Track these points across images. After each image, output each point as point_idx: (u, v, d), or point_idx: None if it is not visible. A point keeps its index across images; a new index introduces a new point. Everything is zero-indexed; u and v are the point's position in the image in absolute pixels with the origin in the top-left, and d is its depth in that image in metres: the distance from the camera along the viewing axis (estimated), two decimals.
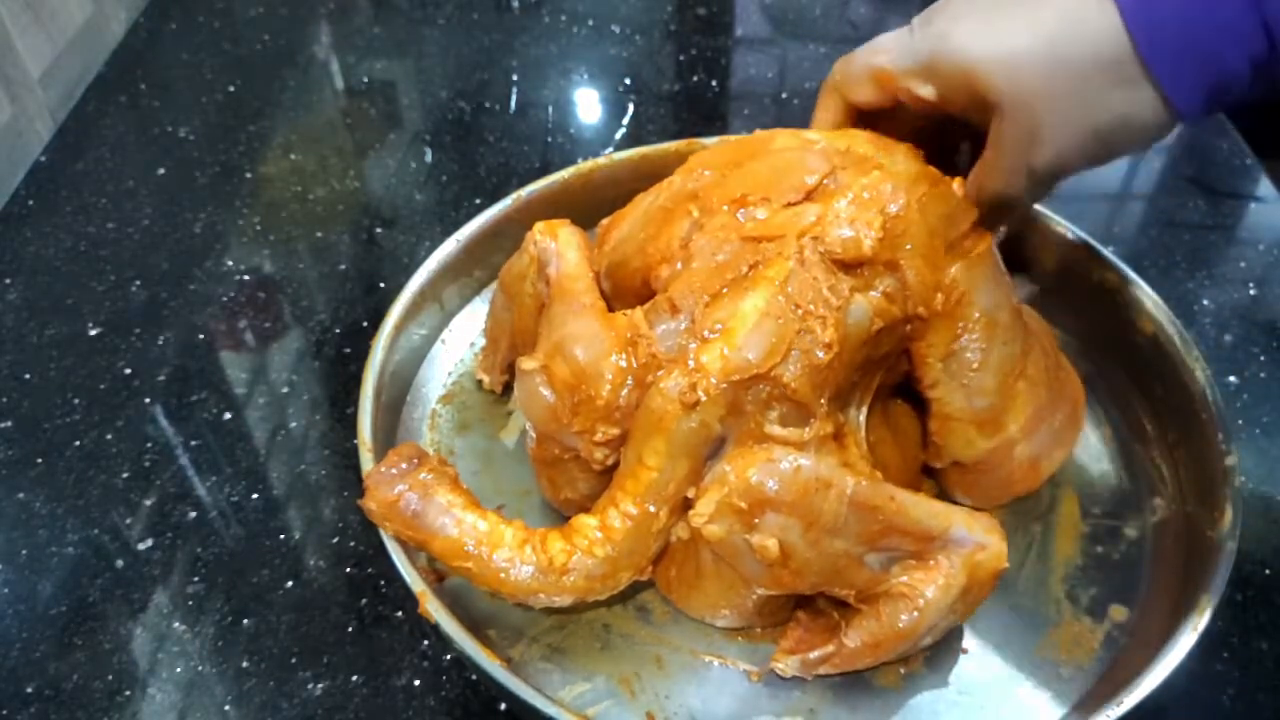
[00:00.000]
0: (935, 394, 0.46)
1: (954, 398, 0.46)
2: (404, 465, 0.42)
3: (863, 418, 0.45)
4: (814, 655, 0.43)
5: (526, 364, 0.44)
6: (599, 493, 0.45)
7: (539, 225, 0.48)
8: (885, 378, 0.46)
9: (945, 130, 0.47)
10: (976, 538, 0.41)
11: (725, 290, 0.42)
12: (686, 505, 0.42)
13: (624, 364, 0.42)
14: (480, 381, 0.55)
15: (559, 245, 0.47)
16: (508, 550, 0.41)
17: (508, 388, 0.54)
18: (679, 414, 0.40)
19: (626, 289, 0.48)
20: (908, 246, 0.43)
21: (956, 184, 0.46)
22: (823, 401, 0.41)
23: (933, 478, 0.49)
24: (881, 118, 0.47)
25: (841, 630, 0.42)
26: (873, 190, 0.43)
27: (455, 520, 0.41)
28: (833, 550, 0.41)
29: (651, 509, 0.41)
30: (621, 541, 0.42)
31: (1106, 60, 0.40)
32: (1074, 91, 0.40)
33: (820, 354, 0.41)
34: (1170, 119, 0.41)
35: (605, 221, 0.52)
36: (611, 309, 0.46)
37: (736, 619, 0.45)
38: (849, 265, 0.42)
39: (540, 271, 0.47)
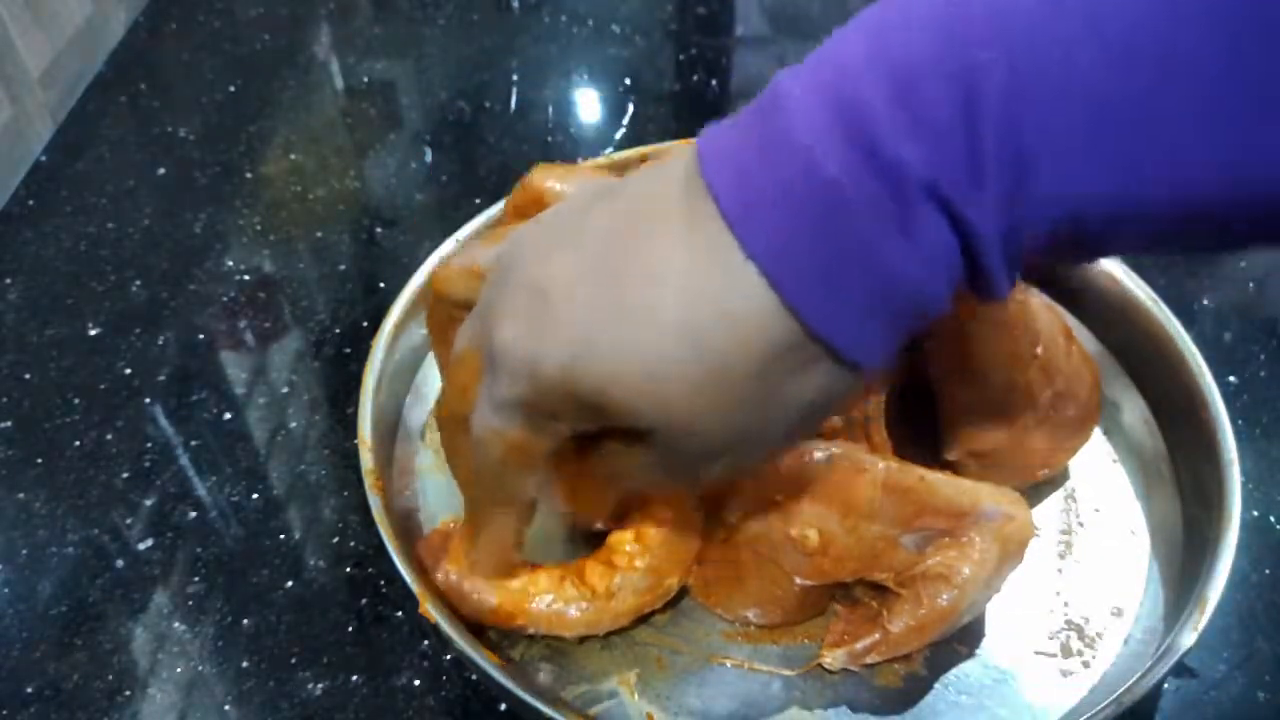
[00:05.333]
0: (944, 388, 0.46)
1: (961, 390, 0.46)
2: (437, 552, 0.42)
3: (881, 405, 0.46)
4: (860, 645, 0.43)
5: None
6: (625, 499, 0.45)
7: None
8: (899, 368, 0.47)
9: None
10: (1004, 510, 0.42)
11: None
12: (720, 504, 0.42)
13: None
14: None
15: None
16: (549, 595, 0.41)
17: None
18: None
19: None
20: None
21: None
22: None
23: (951, 469, 0.49)
24: None
25: (884, 617, 0.43)
26: None
27: (491, 586, 0.41)
28: (870, 535, 0.41)
29: (686, 510, 0.41)
30: (659, 548, 0.41)
31: (780, 346, 0.29)
32: (747, 396, 0.30)
33: None
34: (862, 374, 0.31)
35: None
36: None
37: (780, 614, 0.45)
38: None
39: None
